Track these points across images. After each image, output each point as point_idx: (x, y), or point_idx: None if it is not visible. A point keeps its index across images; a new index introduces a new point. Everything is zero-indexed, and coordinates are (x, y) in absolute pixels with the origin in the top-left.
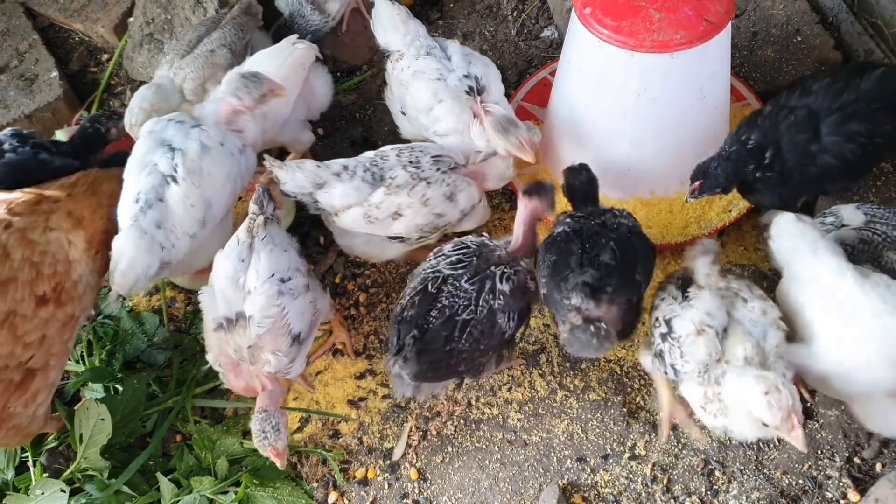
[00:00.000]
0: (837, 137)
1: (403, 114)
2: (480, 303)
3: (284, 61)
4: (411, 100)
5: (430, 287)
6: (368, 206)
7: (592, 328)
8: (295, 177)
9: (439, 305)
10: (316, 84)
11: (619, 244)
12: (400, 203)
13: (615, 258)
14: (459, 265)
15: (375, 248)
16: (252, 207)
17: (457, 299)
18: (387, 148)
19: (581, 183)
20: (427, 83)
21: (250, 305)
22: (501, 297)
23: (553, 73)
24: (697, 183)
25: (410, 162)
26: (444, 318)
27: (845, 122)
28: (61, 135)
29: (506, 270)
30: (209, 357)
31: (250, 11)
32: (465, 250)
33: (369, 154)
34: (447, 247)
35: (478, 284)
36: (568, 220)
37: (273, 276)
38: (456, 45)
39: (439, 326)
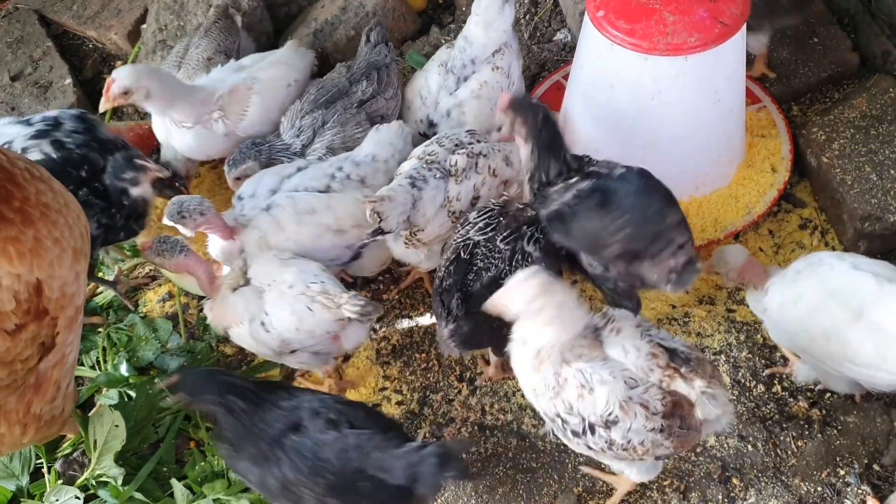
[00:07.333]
0: None
1: None
2: (514, 263)
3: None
4: None
5: (462, 254)
6: (449, 203)
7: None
8: (395, 201)
9: (475, 269)
10: None
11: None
12: (475, 184)
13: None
14: (488, 228)
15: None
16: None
17: (492, 260)
18: (421, 146)
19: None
20: None
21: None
22: (531, 259)
23: (566, 77)
24: None
25: (456, 145)
26: (486, 280)
27: None
28: None
29: (535, 233)
30: None
31: (227, 14)
32: (490, 213)
33: (412, 161)
34: (472, 214)
35: (511, 245)
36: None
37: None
38: None
39: (482, 289)
